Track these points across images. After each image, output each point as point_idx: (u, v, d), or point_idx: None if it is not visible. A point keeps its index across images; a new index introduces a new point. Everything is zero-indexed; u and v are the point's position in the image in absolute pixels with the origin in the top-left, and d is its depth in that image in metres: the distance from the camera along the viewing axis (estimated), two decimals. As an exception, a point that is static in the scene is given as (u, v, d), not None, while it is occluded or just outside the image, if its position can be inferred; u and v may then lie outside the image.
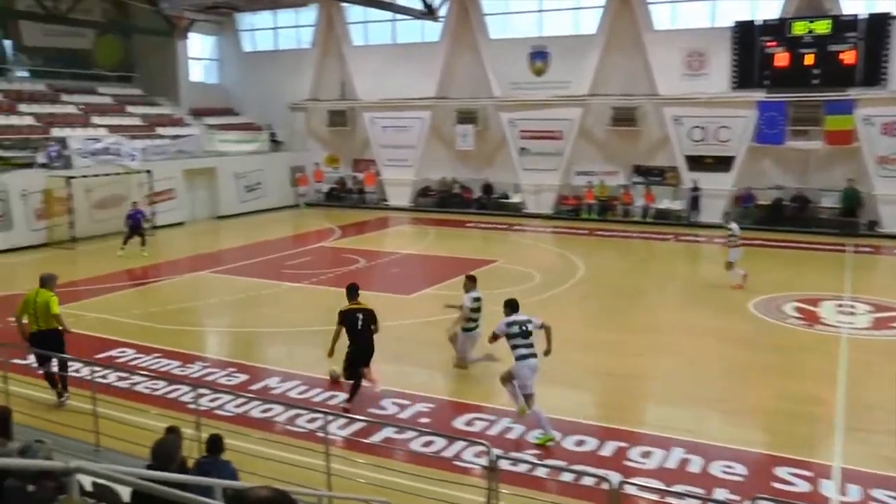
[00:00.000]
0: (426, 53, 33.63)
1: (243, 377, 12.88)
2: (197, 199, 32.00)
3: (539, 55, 31.97)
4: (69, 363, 11.55)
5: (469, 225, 30.48)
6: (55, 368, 11.47)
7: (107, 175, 27.02)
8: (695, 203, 29.73)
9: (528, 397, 10.41)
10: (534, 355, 10.53)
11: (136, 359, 13.78)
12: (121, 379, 11.95)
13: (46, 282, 11.76)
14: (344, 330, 11.54)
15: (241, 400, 11.10)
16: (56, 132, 28.52)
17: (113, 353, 14.08)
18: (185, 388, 11.42)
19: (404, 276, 21.67)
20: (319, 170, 36.53)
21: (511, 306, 10.97)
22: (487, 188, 33.75)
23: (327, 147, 37.55)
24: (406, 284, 20.06)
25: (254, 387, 12.35)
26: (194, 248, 25.49)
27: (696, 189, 29.64)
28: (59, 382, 11.46)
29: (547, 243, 27.11)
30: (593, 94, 31.23)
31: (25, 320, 11.52)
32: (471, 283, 13.12)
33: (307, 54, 36.70)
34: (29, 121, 29.04)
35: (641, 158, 31.25)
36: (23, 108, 29.83)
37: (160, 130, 32.87)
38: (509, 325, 10.68)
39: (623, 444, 10.16)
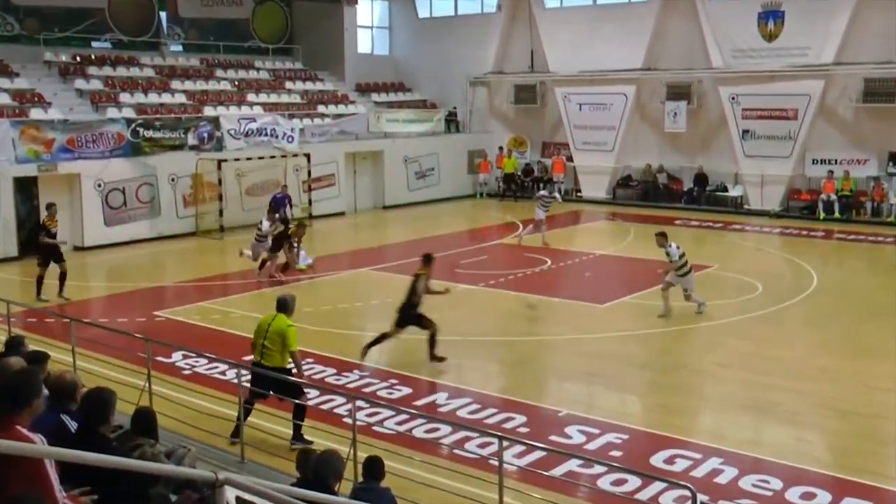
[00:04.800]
0: (632, 17, 33.23)
1: (406, 391, 13.18)
2: (360, 187, 33.12)
3: (771, 15, 30.80)
4: (213, 363, 12.19)
5: (678, 222, 29.79)
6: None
7: (260, 158, 28.51)
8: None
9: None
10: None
11: (287, 364, 14.36)
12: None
13: (284, 305, 11.28)
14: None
15: (403, 417, 11.37)
16: (208, 111, 30.37)
17: (263, 356, 14.74)
18: (341, 400, 11.86)
19: (598, 281, 21.50)
20: (503, 154, 36.81)
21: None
22: (701, 179, 32.87)
23: (512, 128, 37.85)
24: (599, 291, 19.90)
25: (419, 402, 12.62)
26: (355, 242, 26.40)
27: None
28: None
29: (773, 247, 26.10)
30: (839, 62, 29.76)
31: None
32: (662, 238, 17.45)
33: (492, 20, 37.16)
34: (181, 99, 31.08)
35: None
36: (175, 84, 31.95)
37: (321, 109, 34.29)
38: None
39: (860, 502, 9.63)
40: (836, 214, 29.56)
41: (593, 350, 15.45)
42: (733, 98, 31.60)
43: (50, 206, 19.38)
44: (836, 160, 30.19)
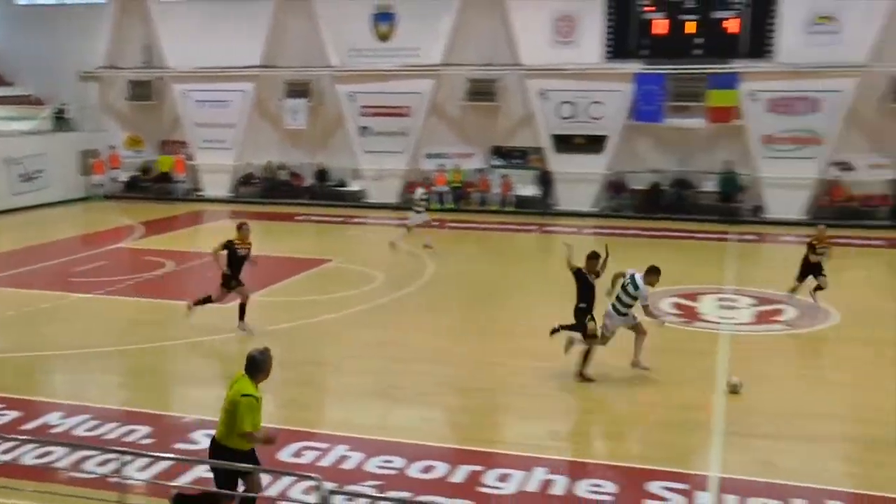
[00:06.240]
0: (250, 13, 33.23)
1: (14, 414, 12.25)
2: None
3: (384, 17, 32.21)
4: None
5: (299, 218, 30.30)
6: None
7: None
8: (546, 189, 31.21)
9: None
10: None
11: None
12: None
13: (252, 365, 8.35)
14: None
15: (9, 444, 10.63)
16: None
17: None
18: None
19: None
20: (117, 154, 35.43)
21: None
22: (322, 174, 33.68)
23: (128, 126, 36.51)
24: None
25: (28, 426, 11.80)
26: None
27: (546, 173, 31.13)
28: None
29: (391, 238, 27.26)
30: (447, 63, 31.76)
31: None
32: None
33: (101, 11, 35.55)
34: None
35: (501, 139, 32.13)
36: None
37: None
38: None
39: (478, 468, 10.41)
40: (449, 204, 31.63)
41: (219, 351, 15.37)
42: (351, 96, 32.68)
43: None
44: (447, 154, 32.33)
